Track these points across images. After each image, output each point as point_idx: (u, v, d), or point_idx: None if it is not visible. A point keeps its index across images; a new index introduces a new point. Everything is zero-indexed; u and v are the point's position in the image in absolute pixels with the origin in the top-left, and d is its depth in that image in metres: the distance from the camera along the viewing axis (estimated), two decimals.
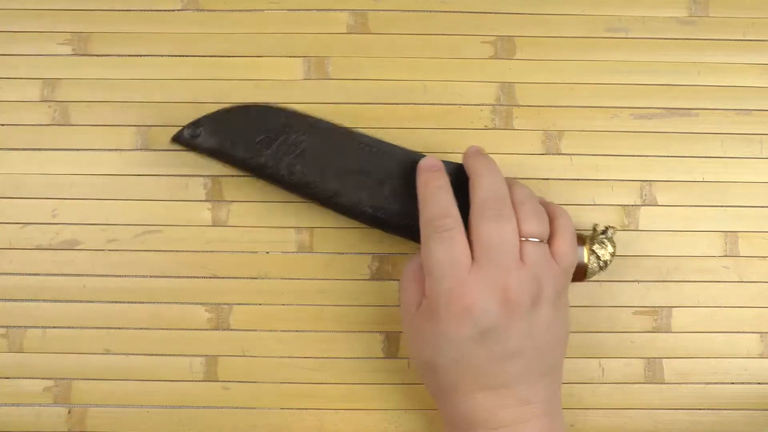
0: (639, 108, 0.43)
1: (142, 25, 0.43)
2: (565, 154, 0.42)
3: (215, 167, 0.41)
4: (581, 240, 0.38)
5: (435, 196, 0.35)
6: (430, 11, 0.43)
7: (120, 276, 0.41)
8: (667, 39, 0.43)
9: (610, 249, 0.38)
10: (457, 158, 0.38)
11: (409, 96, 0.43)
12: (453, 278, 0.33)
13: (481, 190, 0.34)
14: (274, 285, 0.41)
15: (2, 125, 0.42)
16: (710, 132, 0.43)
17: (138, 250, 0.41)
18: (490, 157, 0.37)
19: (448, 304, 0.33)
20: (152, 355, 0.41)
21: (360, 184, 0.38)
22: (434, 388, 0.36)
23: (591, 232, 0.39)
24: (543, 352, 0.34)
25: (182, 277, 0.41)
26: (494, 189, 0.34)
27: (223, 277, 0.41)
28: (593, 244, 0.38)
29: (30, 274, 0.41)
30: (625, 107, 0.43)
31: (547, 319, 0.34)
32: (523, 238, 0.33)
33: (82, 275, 0.41)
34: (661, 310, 0.42)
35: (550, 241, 0.35)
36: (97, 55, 0.43)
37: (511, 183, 0.36)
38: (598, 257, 0.38)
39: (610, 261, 0.38)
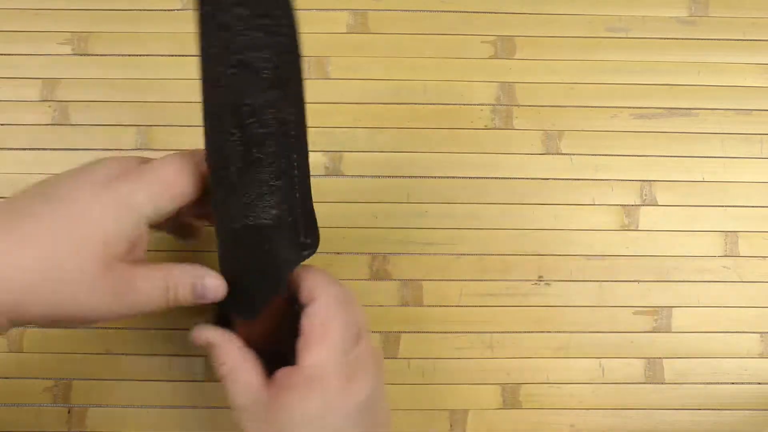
0: (639, 108, 0.43)
1: (142, 25, 0.43)
2: (565, 154, 0.42)
3: None
4: None
5: None
6: (430, 11, 0.43)
7: None
8: (667, 39, 0.43)
9: None
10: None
11: (409, 96, 0.42)
12: None
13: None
14: None
15: (2, 125, 0.42)
16: (710, 132, 0.43)
17: None
18: None
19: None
20: (152, 355, 0.41)
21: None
22: None
23: None
24: None
25: None
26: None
27: None
28: None
29: None
30: (625, 107, 0.43)
31: None
32: None
33: None
34: (661, 310, 0.42)
35: None
36: (97, 55, 0.43)
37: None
38: None
39: None
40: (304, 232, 0.31)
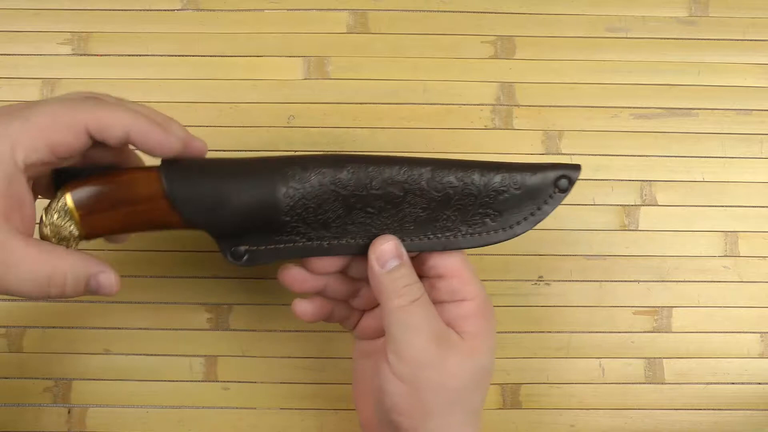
0: (639, 108, 0.43)
1: (142, 25, 0.43)
2: (565, 154, 0.42)
3: None
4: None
5: None
6: (430, 11, 0.43)
7: (120, 276, 0.41)
8: (667, 39, 0.43)
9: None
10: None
11: (409, 96, 0.43)
12: None
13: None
14: (274, 285, 0.41)
15: None
16: (710, 132, 0.43)
17: (138, 250, 0.41)
18: None
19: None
20: (152, 355, 0.41)
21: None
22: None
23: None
24: None
25: (182, 277, 0.41)
26: None
27: (223, 277, 0.41)
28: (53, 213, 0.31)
29: None
30: (625, 107, 0.43)
31: None
32: None
33: None
34: (661, 310, 0.42)
35: None
36: (97, 55, 0.43)
37: None
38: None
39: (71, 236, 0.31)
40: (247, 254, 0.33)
